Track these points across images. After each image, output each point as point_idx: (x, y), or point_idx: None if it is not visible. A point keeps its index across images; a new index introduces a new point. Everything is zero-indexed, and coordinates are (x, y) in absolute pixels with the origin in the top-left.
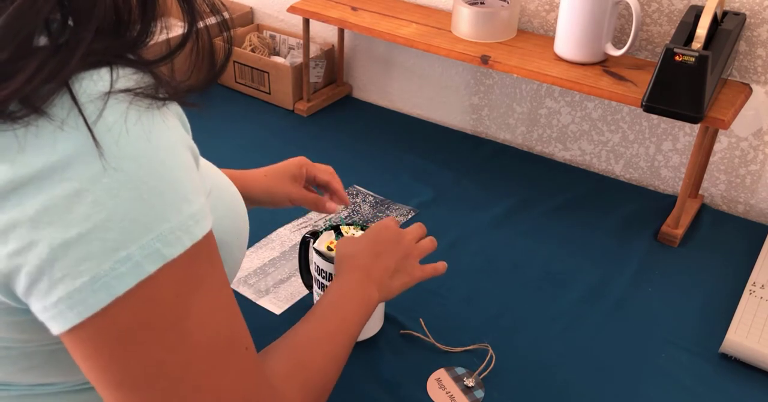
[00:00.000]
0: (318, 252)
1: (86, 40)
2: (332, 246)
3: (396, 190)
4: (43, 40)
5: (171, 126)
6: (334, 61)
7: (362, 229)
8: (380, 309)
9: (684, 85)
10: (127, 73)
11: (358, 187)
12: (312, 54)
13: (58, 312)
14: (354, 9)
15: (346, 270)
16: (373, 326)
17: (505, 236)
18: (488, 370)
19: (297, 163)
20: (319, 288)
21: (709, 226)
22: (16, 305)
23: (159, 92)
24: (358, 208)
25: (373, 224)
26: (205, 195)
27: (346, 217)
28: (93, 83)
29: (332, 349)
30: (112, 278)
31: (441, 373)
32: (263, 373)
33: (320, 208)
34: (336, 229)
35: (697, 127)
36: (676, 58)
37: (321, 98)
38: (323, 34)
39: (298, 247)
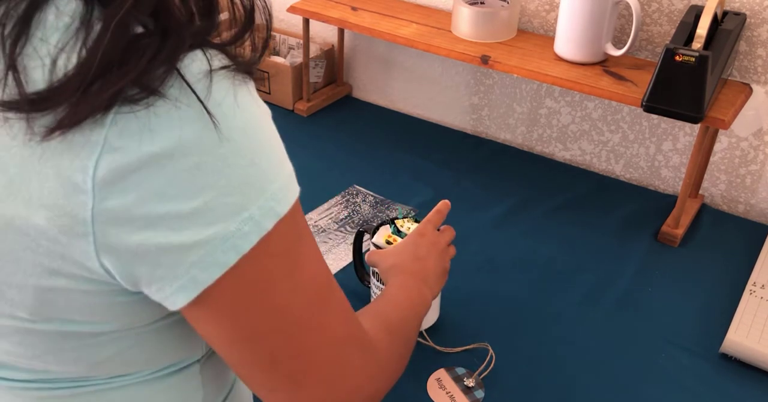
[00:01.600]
0: (377, 246)
1: (186, 26)
2: (390, 240)
3: (396, 190)
4: (138, 29)
5: (257, 97)
6: (334, 61)
7: (416, 222)
8: (435, 301)
9: (684, 85)
10: (214, 53)
11: (358, 187)
12: (312, 54)
13: (190, 278)
14: (354, 9)
15: (395, 274)
16: (431, 317)
17: (505, 236)
18: (488, 370)
19: None
20: (377, 281)
21: (709, 226)
22: (127, 287)
23: (245, 68)
24: (358, 207)
25: (410, 232)
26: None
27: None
28: (196, 64)
29: (405, 314)
30: (238, 238)
31: (441, 373)
32: (355, 315)
33: None
34: (392, 222)
35: (697, 127)
36: (677, 58)
37: (321, 98)
38: (323, 34)
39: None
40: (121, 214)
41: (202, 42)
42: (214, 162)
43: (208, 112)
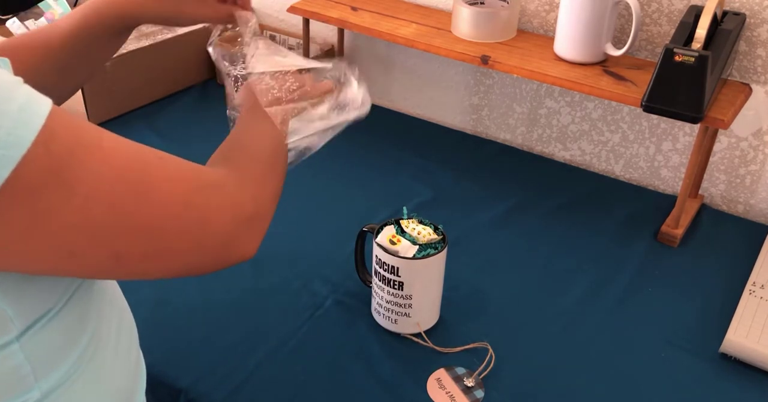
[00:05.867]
0: (380, 246)
1: None
2: (394, 240)
3: (396, 190)
4: None
5: None
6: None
7: (421, 223)
8: (436, 302)
9: (684, 85)
10: None
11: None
12: (312, 54)
13: None
14: (354, 9)
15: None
16: (431, 317)
17: (505, 236)
18: (488, 370)
19: None
20: (378, 280)
21: (709, 226)
22: None
23: None
24: None
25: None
26: (22, 83)
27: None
28: None
29: (239, 136)
30: None
31: (441, 373)
32: (193, 166)
33: (232, 20)
34: (396, 222)
35: (696, 127)
36: (676, 58)
37: None
38: (323, 34)
39: None
40: None
41: None
42: None
43: None
